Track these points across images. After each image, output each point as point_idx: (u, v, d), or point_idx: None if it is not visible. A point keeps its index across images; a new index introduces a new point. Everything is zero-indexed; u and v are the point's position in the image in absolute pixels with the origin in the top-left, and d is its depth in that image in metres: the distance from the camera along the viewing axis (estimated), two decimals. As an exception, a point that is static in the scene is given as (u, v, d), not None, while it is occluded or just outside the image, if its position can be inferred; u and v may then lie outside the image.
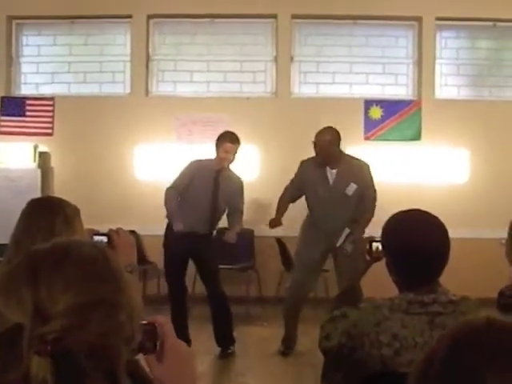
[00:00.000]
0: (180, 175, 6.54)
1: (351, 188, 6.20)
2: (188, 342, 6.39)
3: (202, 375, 5.96)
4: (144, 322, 1.37)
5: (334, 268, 6.45)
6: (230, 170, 6.56)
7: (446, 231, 2.37)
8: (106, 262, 1.28)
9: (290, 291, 6.50)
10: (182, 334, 6.37)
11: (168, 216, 6.51)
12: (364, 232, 6.04)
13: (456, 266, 7.37)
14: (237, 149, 6.47)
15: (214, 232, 6.65)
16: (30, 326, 1.13)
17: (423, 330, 2.25)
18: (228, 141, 6.40)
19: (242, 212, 6.64)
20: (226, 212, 6.65)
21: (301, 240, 6.54)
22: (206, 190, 6.43)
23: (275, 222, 6.40)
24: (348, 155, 6.39)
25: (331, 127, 6.35)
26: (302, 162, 6.49)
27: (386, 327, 2.28)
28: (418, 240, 2.33)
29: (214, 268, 6.59)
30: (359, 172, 6.29)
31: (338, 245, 6.18)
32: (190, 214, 6.41)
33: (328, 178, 6.27)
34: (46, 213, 2.62)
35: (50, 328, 1.13)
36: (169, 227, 6.53)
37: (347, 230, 6.16)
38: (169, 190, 6.49)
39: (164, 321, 1.39)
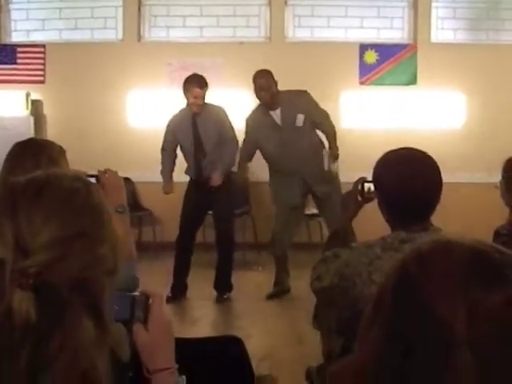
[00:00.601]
0: (164, 136, 6.66)
1: (299, 119, 6.33)
2: (185, 287, 6.47)
3: (200, 319, 6.02)
4: (138, 292, 1.49)
5: (320, 214, 6.55)
6: (206, 105, 6.49)
7: (437, 169, 2.35)
8: (88, 194, 1.27)
9: (274, 236, 6.58)
10: (181, 280, 6.45)
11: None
12: (337, 146, 6.31)
13: (451, 209, 7.34)
14: (205, 92, 6.43)
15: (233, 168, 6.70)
16: (11, 260, 1.13)
17: None
18: (197, 86, 6.34)
19: (233, 139, 6.56)
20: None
21: (274, 191, 6.63)
22: (188, 137, 6.49)
23: (241, 180, 6.88)
24: (283, 91, 6.44)
25: (265, 70, 6.48)
26: (247, 120, 6.57)
27: (377, 266, 2.26)
28: (410, 177, 2.31)
29: (226, 211, 6.62)
30: (300, 101, 6.39)
31: (325, 169, 6.26)
32: (189, 164, 6.56)
33: (275, 121, 6.36)
34: (31, 154, 2.61)
35: (32, 262, 1.13)
36: (189, 182, 6.66)
37: (326, 151, 6.25)
38: (161, 153, 6.69)
39: (156, 293, 1.51)
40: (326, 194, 6.28)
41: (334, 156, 6.24)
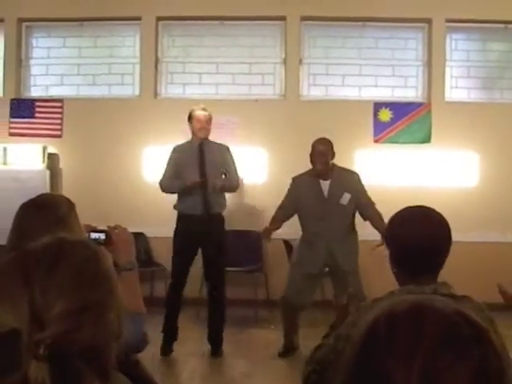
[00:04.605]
0: (165, 169, 6.54)
1: (345, 198, 6.25)
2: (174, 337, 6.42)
3: (208, 375, 5.95)
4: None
5: (332, 285, 6.46)
6: (212, 142, 6.52)
7: (446, 225, 2.45)
8: (98, 263, 1.32)
9: (283, 301, 6.44)
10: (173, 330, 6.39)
11: (177, 192, 6.47)
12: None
13: (465, 269, 7.26)
14: (210, 117, 6.45)
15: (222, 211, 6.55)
16: (27, 332, 1.17)
17: None
18: (199, 109, 6.42)
19: (237, 179, 6.61)
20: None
21: (295, 259, 6.50)
22: (194, 167, 6.36)
23: (267, 234, 6.37)
24: (338, 166, 6.40)
25: (326, 138, 6.35)
26: (294, 179, 6.48)
27: None
28: (418, 234, 2.41)
29: (220, 261, 6.47)
30: (350, 181, 6.33)
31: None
32: (190, 197, 6.36)
33: (322, 190, 6.28)
34: (39, 216, 2.57)
35: (47, 334, 1.17)
36: (179, 218, 6.48)
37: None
38: (164, 185, 6.53)
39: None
40: (349, 269, 6.23)
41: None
